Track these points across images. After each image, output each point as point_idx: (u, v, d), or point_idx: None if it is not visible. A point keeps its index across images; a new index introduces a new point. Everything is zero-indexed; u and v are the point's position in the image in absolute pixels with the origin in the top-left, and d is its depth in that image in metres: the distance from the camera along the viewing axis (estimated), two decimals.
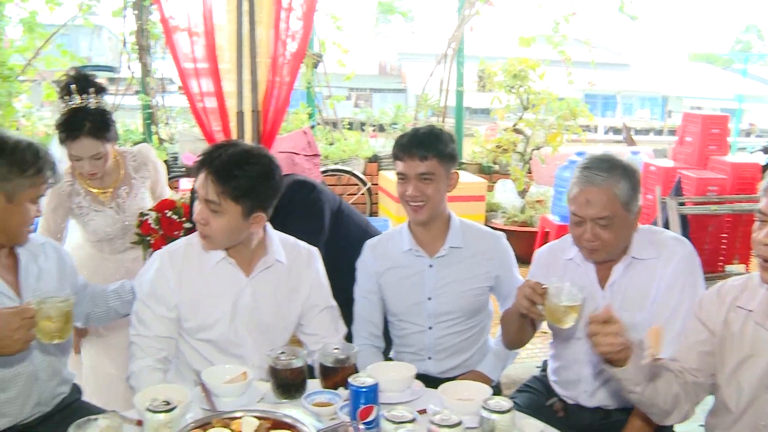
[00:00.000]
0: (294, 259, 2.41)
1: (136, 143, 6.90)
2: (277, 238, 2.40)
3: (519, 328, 2.36)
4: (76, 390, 2.45)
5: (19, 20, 6.59)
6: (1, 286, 2.11)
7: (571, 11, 7.68)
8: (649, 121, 24.07)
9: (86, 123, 2.84)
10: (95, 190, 3.08)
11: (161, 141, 7.15)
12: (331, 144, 7.37)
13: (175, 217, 3.03)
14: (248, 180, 2.14)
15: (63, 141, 2.88)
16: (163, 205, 3.08)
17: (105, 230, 3.09)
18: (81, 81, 2.89)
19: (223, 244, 2.26)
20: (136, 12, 6.95)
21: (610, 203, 2.13)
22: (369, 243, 2.73)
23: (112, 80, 8.21)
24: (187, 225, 2.97)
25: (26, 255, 2.22)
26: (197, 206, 2.22)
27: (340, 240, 3.01)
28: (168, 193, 3.30)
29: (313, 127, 6.88)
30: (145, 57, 7.03)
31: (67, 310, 1.92)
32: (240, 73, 4.30)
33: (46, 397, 2.26)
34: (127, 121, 7.76)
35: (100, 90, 2.93)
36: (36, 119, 7.39)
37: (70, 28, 7.07)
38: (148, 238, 3.03)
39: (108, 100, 6.45)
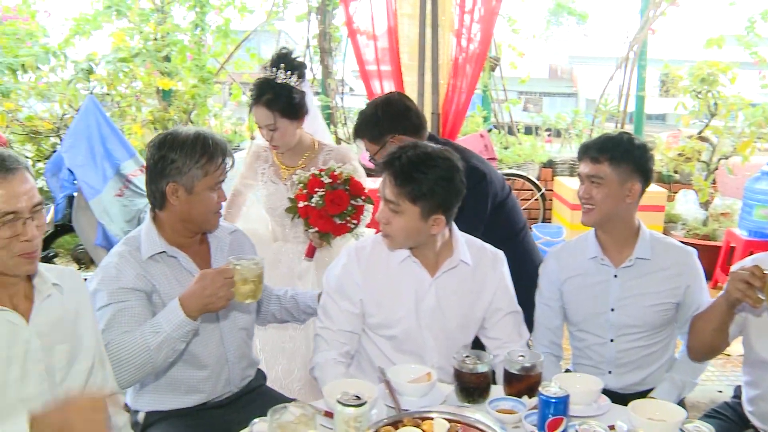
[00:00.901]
0: (479, 261, 2.39)
1: None
2: (463, 239, 2.38)
3: (718, 327, 2.24)
4: (261, 375, 2.57)
5: (215, 27, 7.07)
6: (195, 271, 2.24)
7: None
8: None
9: (266, 94, 2.98)
10: (280, 164, 3.21)
11: (339, 141, 7.38)
12: (505, 148, 7.27)
13: (317, 174, 2.92)
14: (427, 182, 2.15)
15: (249, 108, 3.06)
16: (320, 170, 3.00)
17: (273, 202, 3.21)
18: (287, 59, 3.03)
19: (403, 244, 2.28)
20: (319, 17, 7.22)
21: None
22: (552, 250, 2.66)
23: None
24: (327, 181, 2.88)
25: (216, 242, 2.38)
26: (380, 205, 2.25)
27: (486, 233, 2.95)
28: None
29: (490, 130, 6.82)
30: (326, 59, 7.29)
31: (260, 272, 2.08)
32: (421, 75, 4.35)
33: (235, 377, 2.39)
34: None
35: (300, 74, 3.05)
36: (224, 119, 7.90)
37: (254, 33, 7.45)
38: (295, 201, 2.98)
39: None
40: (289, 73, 3.00)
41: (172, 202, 2.20)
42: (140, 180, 4.80)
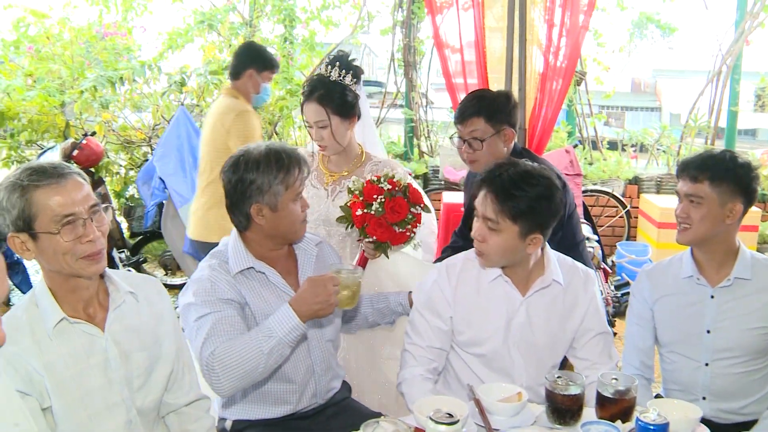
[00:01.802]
0: (571, 281, 2.35)
1: (397, 155, 7.20)
2: (555, 258, 2.34)
3: None
4: (346, 387, 2.57)
5: (301, 40, 7.19)
6: (286, 288, 2.27)
7: None
8: None
9: (319, 90, 2.93)
10: (324, 169, 3.13)
11: (422, 154, 7.38)
12: (590, 164, 7.13)
13: (374, 180, 2.81)
14: (527, 200, 2.12)
15: (301, 106, 3.02)
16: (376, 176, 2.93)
17: (311, 206, 3.15)
18: (343, 60, 2.99)
19: (498, 262, 2.25)
20: (404, 30, 7.26)
21: None
22: (645, 268, 2.59)
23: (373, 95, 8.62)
24: (386, 188, 2.77)
25: (303, 255, 2.39)
26: (476, 223, 2.22)
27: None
28: None
29: (575, 146, 6.70)
30: (410, 72, 7.30)
31: (359, 281, 2.14)
32: (508, 89, 4.30)
33: (321, 389, 2.39)
34: (391, 134, 8.12)
35: (355, 75, 3.00)
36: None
37: (339, 46, 7.54)
38: (348, 205, 2.88)
39: (373, 113, 6.84)
40: (344, 72, 2.96)
41: (258, 222, 2.22)
42: None
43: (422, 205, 2.85)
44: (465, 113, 2.93)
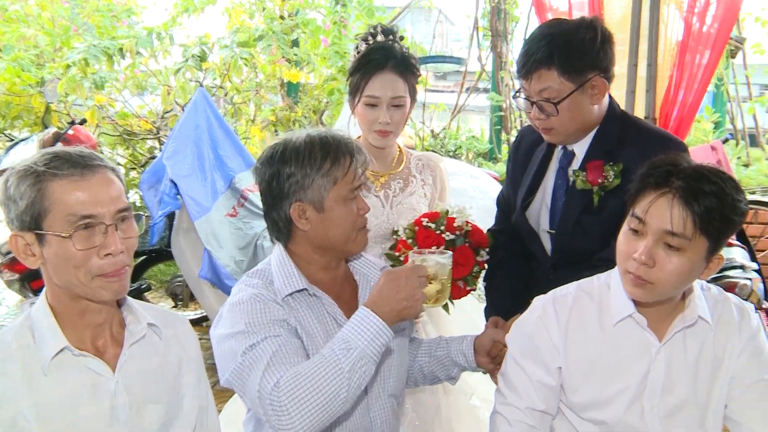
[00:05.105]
0: (720, 316, 2.28)
1: (479, 154, 7.16)
2: (699, 288, 2.27)
3: None
4: None
5: (355, 2, 7.19)
6: (343, 321, 2.24)
7: None
8: None
9: (391, 59, 3.01)
10: (368, 171, 3.15)
11: None
12: (746, 165, 6.93)
13: (432, 227, 2.88)
14: (719, 206, 2.03)
15: (359, 81, 3.04)
16: (425, 216, 2.99)
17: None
18: (394, 33, 3.10)
19: (664, 295, 2.16)
20: None
21: None
22: None
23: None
24: (448, 237, 2.84)
25: (364, 282, 2.40)
26: (638, 241, 2.13)
27: None
28: None
29: (725, 141, 6.55)
30: (499, 45, 7.24)
31: (449, 268, 2.20)
32: (633, 65, 4.24)
33: None
34: (472, 125, 8.00)
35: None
36: None
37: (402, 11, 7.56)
38: (399, 255, 2.95)
39: (449, 99, 6.78)
40: (404, 47, 3.08)
41: (301, 227, 2.23)
42: (258, 197, 4.92)
43: (486, 248, 2.90)
44: (529, 62, 2.62)
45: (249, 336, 2.09)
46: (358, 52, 3.10)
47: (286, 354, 2.06)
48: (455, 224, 2.85)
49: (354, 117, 3.17)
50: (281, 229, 2.26)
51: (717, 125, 7.19)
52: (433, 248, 2.62)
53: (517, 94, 2.74)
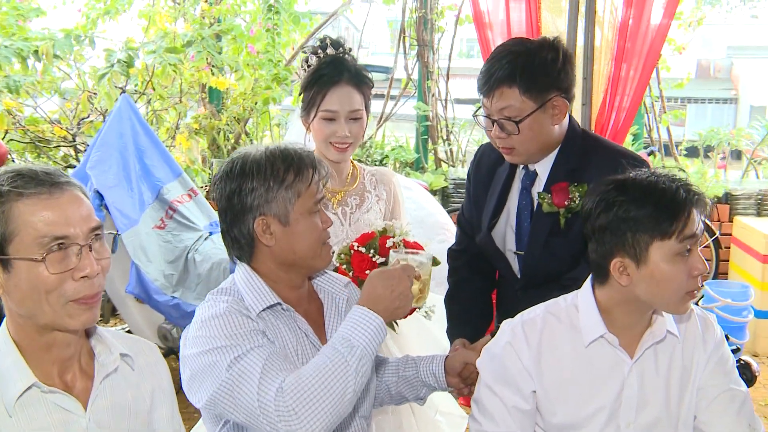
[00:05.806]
0: (686, 327, 2.33)
1: (406, 164, 7.16)
2: None
3: None
4: None
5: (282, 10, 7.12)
6: (315, 340, 2.23)
7: None
8: None
9: (345, 72, 3.03)
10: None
11: (439, 162, 7.35)
12: None
13: (362, 250, 2.87)
14: None
15: (314, 96, 3.03)
16: (359, 239, 2.98)
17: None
18: (335, 45, 3.12)
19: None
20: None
21: None
22: None
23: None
24: (379, 261, 2.83)
25: (330, 299, 2.38)
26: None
27: None
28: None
29: (651, 154, 6.68)
30: (426, 55, 7.28)
31: (430, 268, 2.23)
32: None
33: None
34: (398, 134, 7.97)
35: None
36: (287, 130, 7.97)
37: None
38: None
39: (375, 107, 6.79)
40: (355, 59, 3.13)
41: (265, 242, 2.18)
42: (188, 208, 4.83)
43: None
44: (491, 80, 2.63)
45: (232, 349, 2.02)
46: (309, 66, 3.07)
47: (278, 361, 2.02)
48: (389, 243, 2.84)
49: (308, 133, 3.12)
50: (243, 247, 2.21)
51: (635, 137, 7.36)
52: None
53: (477, 112, 2.74)
